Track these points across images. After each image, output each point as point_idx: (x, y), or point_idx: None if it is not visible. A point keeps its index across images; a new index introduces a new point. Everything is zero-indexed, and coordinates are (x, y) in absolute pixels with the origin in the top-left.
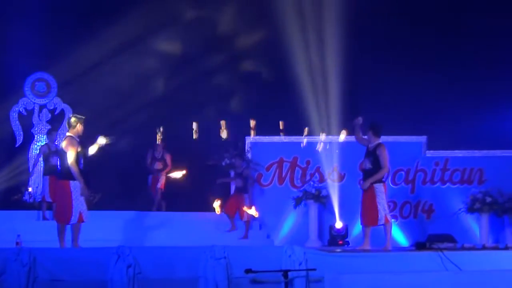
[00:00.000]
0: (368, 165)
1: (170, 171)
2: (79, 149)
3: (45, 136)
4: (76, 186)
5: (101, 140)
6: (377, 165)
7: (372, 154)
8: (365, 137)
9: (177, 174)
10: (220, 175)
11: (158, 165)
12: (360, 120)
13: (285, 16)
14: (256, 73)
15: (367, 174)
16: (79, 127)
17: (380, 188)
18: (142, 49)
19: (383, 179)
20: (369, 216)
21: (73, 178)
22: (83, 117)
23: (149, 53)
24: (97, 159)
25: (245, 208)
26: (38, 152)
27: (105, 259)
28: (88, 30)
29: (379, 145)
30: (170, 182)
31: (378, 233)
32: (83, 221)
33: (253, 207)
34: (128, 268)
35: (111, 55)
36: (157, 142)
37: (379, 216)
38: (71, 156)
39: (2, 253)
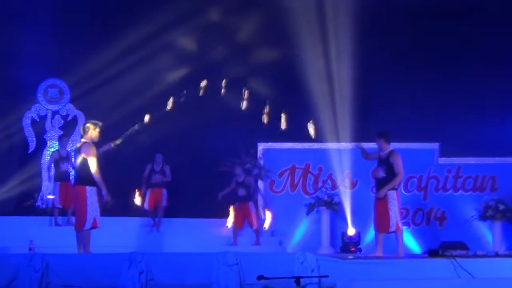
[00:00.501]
0: (381, 173)
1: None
2: (97, 155)
3: (57, 142)
4: (92, 192)
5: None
6: (390, 173)
7: (386, 162)
8: (374, 145)
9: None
10: (231, 181)
11: (157, 178)
12: (360, 144)
13: (301, 23)
14: (270, 78)
15: (380, 182)
16: (94, 134)
17: (392, 195)
18: (156, 54)
19: (396, 186)
20: (381, 223)
21: (90, 184)
22: (99, 123)
23: (163, 58)
24: (109, 164)
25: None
26: (49, 158)
27: (118, 265)
28: (101, 36)
29: (392, 152)
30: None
31: (390, 240)
32: (96, 227)
33: (267, 213)
34: (140, 274)
35: (124, 60)
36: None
37: (391, 223)
38: (93, 163)
39: (15, 258)
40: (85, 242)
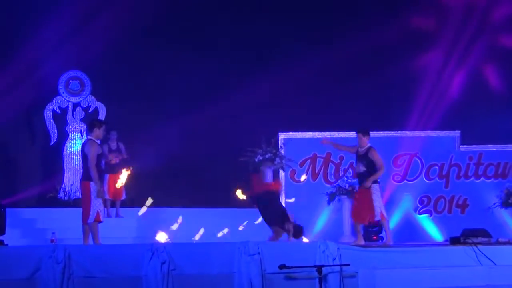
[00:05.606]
0: (362, 168)
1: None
2: (99, 152)
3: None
4: (95, 188)
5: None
6: (371, 167)
7: (365, 158)
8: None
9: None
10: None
11: (113, 158)
12: (330, 140)
13: None
14: (289, 67)
15: (362, 176)
16: (99, 132)
17: (375, 187)
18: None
19: (378, 180)
20: (364, 214)
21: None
22: (104, 122)
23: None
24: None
25: None
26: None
27: (140, 256)
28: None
29: (370, 148)
30: None
31: (401, 230)
32: (100, 221)
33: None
34: (162, 264)
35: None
36: None
37: (376, 212)
38: (92, 160)
39: (37, 250)
40: (93, 234)
